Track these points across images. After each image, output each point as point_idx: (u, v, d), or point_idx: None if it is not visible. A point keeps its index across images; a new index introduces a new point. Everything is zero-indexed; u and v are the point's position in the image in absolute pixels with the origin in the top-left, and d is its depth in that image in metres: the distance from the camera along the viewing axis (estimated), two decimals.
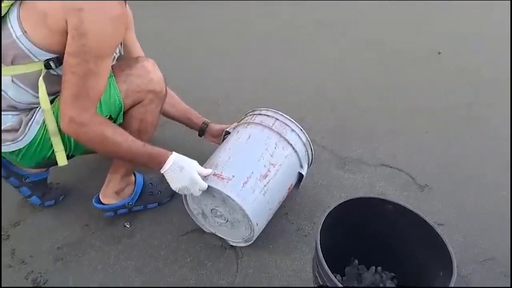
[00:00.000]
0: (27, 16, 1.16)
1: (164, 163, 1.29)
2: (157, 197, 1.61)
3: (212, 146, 1.68)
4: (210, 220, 1.48)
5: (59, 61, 1.20)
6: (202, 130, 1.76)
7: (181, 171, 1.29)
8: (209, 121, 1.77)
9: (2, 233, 1.53)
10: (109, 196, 1.53)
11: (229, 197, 1.32)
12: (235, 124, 1.62)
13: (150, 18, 3.02)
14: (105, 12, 1.12)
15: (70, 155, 1.36)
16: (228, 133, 1.62)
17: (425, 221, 1.06)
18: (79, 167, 1.72)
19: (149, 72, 1.34)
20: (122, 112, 1.34)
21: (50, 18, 1.13)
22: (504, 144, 2.01)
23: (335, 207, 1.08)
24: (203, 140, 1.80)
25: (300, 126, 1.55)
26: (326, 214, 1.06)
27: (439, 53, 2.78)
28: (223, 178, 1.35)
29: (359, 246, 1.18)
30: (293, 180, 1.52)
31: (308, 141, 1.56)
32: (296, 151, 1.50)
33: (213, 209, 1.42)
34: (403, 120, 2.16)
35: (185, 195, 1.45)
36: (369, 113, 2.20)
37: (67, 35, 1.13)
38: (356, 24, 3.16)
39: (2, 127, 1.28)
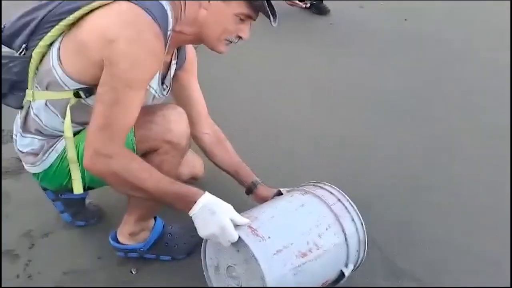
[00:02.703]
0: (66, 46, 1.19)
1: (194, 204, 1.14)
2: (171, 251, 1.51)
3: None
4: (221, 278, 1.29)
5: (89, 91, 1.20)
6: (249, 190, 1.57)
7: (212, 215, 1.12)
8: (259, 181, 1.57)
9: (31, 241, 1.55)
10: (123, 236, 1.48)
11: (256, 258, 1.13)
12: (291, 189, 1.49)
13: None
14: (138, 43, 1.11)
15: (86, 187, 1.32)
16: (280, 193, 1.50)
17: None
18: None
19: (170, 122, 1.26)
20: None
21: (87, 49, 1.14)
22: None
23: None
24: None
25: (361, 219, 1.33)
26: None
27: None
28: (257, 235, 1.18)
29: None
30: (331, 275, 1.31)
31: (365, 239, 1.34)
32: (347, 244, 1.29)
33: (230, 266, 1.24)
34: None
35: (206, 239, 1.30)
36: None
37: (101, 68, 1.13)
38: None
39: (26, 150, 1.33)
